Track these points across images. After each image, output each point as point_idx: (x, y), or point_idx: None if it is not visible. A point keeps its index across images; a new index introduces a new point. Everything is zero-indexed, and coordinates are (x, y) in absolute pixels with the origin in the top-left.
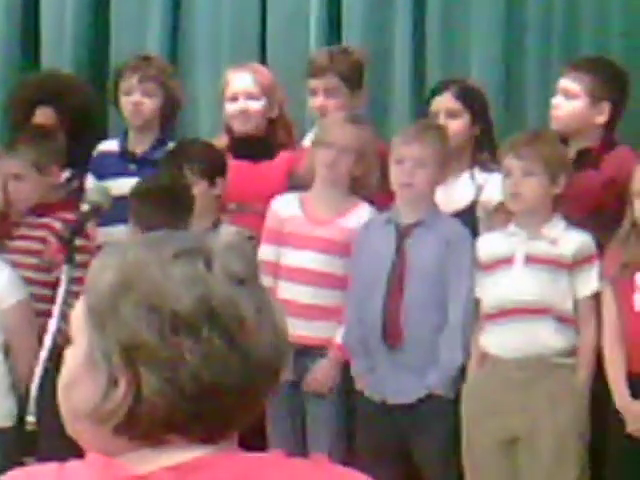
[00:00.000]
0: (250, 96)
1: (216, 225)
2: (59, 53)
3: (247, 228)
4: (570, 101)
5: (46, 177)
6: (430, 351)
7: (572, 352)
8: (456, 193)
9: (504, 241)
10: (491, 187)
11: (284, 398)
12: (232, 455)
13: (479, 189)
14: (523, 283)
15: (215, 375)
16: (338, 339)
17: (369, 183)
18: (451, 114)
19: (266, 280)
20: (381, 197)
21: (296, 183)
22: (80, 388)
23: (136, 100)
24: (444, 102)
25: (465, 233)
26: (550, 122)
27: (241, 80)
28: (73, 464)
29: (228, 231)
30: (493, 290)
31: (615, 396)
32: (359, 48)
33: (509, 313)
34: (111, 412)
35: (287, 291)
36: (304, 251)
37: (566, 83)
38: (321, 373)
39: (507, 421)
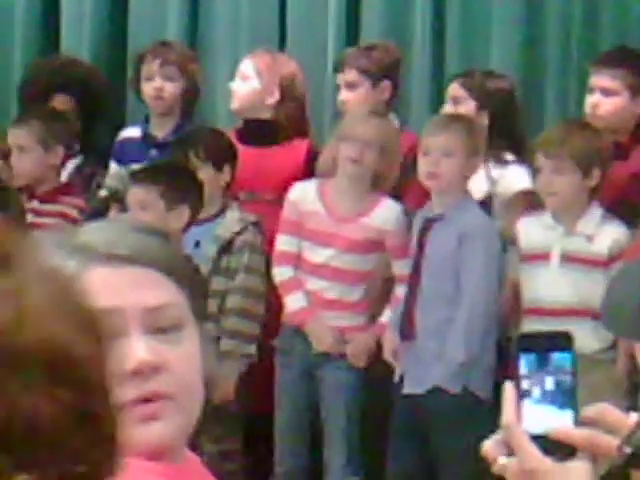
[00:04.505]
0: (243, 78)
1: (223, 211)
2: (78, 38)
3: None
4: (610, 98)
5: (49, 156)
6: (439, 345)
7: (611, 346)
8: (471, 185)
9: (541, 233)
10: (507, 180)
11: (296, 367)
12: None
13: (493, 182)
14: (560, 284)
15: None
16: (383, 318)
17: (390, 178)
18: (455, 101)
19: (286, 270)
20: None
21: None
22: None
23: (157, 85)
24: (450, 90)
25: (480, 228)
26: (584, 117)
27: (242, 65)
28: None
29: (233, 217)
30: (530, 286)
31: None
32: (388, 44)
33: (546, 313)
34: None
35: (312, 284)
36: (327, 248)
37: (602, 81)
38: (363, 342)
39: None
